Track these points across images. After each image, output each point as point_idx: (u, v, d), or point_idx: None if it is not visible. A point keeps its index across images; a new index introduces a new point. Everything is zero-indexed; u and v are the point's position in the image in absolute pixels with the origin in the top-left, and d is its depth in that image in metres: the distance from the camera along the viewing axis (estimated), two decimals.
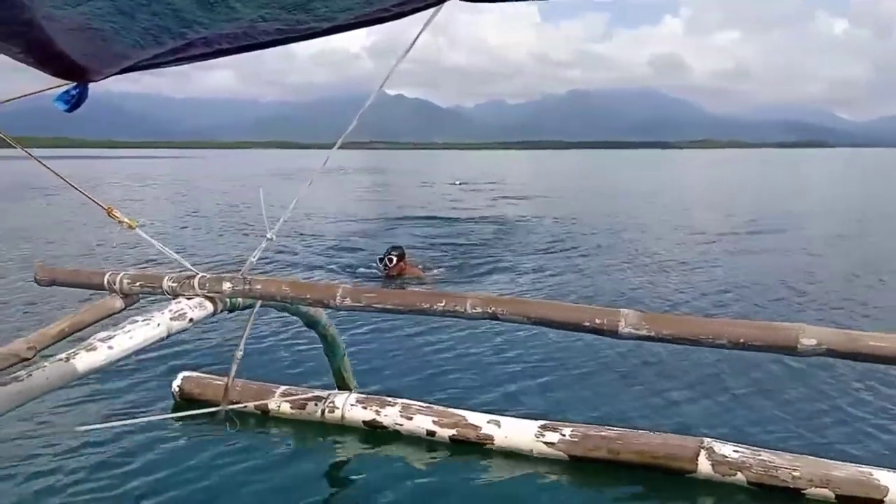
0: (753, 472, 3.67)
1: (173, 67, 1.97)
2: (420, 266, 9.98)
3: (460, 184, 33.63)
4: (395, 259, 9.19)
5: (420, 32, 2.01)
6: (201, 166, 74.28)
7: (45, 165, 2.73)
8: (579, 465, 3.98)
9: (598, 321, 2.60)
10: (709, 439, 3.86)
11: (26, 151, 2.74)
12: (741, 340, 2.41)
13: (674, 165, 78.99)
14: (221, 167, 71.48)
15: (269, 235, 3.09)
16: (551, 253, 12.34)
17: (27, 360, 2.95)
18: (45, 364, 2.69)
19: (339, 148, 2.78)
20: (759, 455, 3.72)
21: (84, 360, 2.73)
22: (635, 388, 5.28)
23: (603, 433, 4.04)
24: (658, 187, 35.73)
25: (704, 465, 3.75)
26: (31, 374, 2.61)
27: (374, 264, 9.50)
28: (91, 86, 1.97)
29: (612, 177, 50.88)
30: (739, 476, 3.68)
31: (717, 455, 3.75)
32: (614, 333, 2.58)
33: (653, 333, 2.54)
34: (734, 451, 3.76)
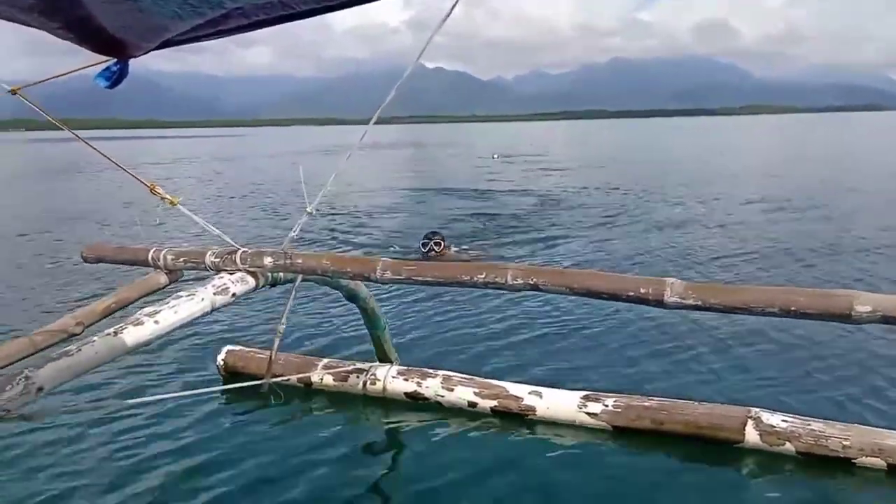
0: (803, 442, 3.60)
1: (213, 45, 1.96)
2: (458, 250, 9.73)
3: (499, 157, 33.10)
4: (440, 244, 8.97)
5: (455, 3, 1.97)
6: (241, 144, 75.06)
7: (90, 146, 2.76)
8: (623, 436, 3.95)
9: (642, 291, 2.55)
10: (756, 409, 3.79)
11: (73, 133, 2.78)
12: (793, 308, 2.35)
13: (719, 132, 76.74)
14: (261, 144, 72.09)
15: (308, 209, 3.09)
16: (593, 224, 12.22)
17: (76, 335, 3.01)
18: (94, 339, 2.75)
19: (378, 123, 2.76)
20: (809, 424, 3.64)
21: (131, 335, 2.78)
22: (679, 359, 5.21)
23: (646, 403, 4.00)
24: (701, 155, 35.01)
25: (752, 435, 3.68)
26: (80, 349, 2.67)
27: (417, 246, 9.15)
28: (135, 67, 1.97)
29: (654, 145, 49.73)
30: (788, 446, 3.62)
31: (765, 425, 3.68)
32: (660, 303, 2.53)
33: (699, 303, 2.48)
34: (783, 420, 3.69)
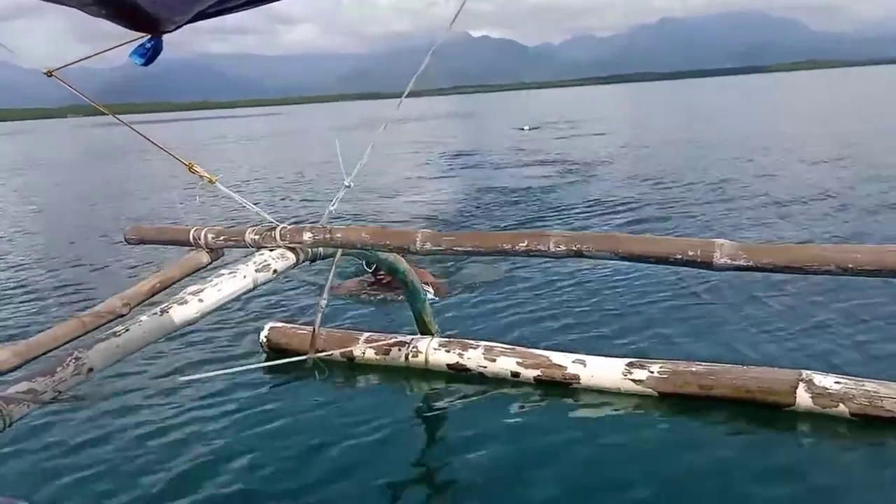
0: (857, 403, 3.51)
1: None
2: (431, 272, 6.68)
3: (530, 129, 31.77)
4: None
5: None
6: (285, 121, 75.38)
7: (132, 128, 2.78)
8: (669, 402, 3.89)
9: (690, 253, 2.48)
10: (808, 371, 3.70)
11: (115, 117, 2.80)
12: (850, 266, 2.26)
13: (773, 90, 73.22)
14: (305, 121, 72.31)
15: (346, 182, 3.08)
16: (635, 193, 11.99)
17: (122, 315, 3.04)
18: (141, 319, 2.78)
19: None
20: (863, 385, 3.55)
21: (177, 314, 2.81)
22: (726, 323, 5.12)
23: (693, 369, 3.93)
24: (752, 114, 33.89)
25: (803, 398, 3.60)
26: (128, 329, 2.71)
27: (364, 268, 6.50)
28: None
29: (703, 106, 47.63)
30: (841, 408, 3.53)
31: (818, 387, 3.59)
32: (709, 265, 2.46)
33: (751, 263, 2.41)
34: (836, 382, 3.60)
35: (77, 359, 2.50)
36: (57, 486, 3.45)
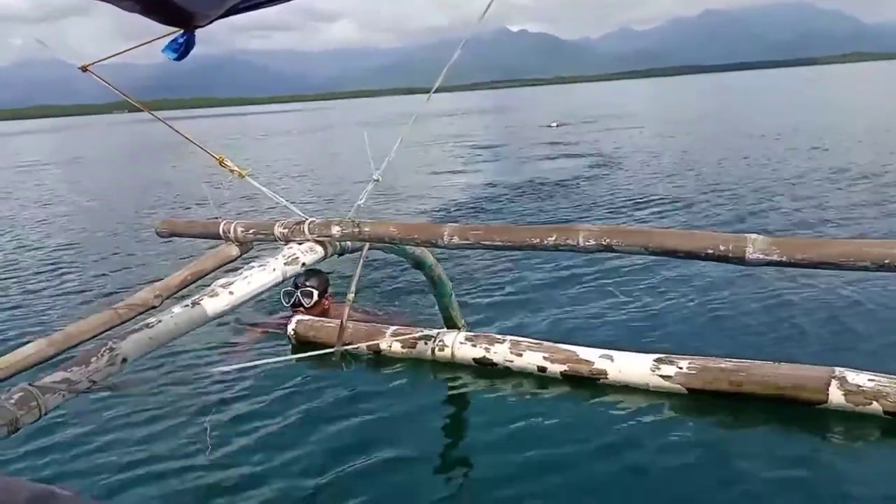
0: (890, 401, 3.44)
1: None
2: (355, 307, 4.97)
3: (557, 125, 31.44)
4: (313, 294, 5.28)
5: None
6: (322, 116, 75.57)
7: (165, 123, 2.82)
8: (698, 398, 3.86)
9: (722, 248, 2.45)
10: (840, 368, 3.64)
11: (151, 113, 2.84)
12: (886, 262, 2.22)
13: (820, 83, 70.30)
14: (341, 115, 72.39)
15: (375, 176, 3.09)
16: (662, 183, 11.89)
17: (154, 307, 3.10)
18: (173, 311, 2.82)
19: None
20: None
21: (208, 306, 2.84)
22: (756, 319, 5.04)
23: (723, 365, 3.89)
24: (797, 107, 33.12)
25: (836, 395, 3.54)
26: (160, 321, 2.74)
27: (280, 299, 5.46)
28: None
29: (745, 99, 46.29)
30: (875, 405, 3.47)
31: (851, 384, 3.53)
32: (741, 260, 2.43)
33: (784, 258, 2.37)
34: (869, 379, 3.53)
35: (111, 349, 2.54)
36: (93, 474, 3.50)
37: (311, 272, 4.98)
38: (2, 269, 8.75)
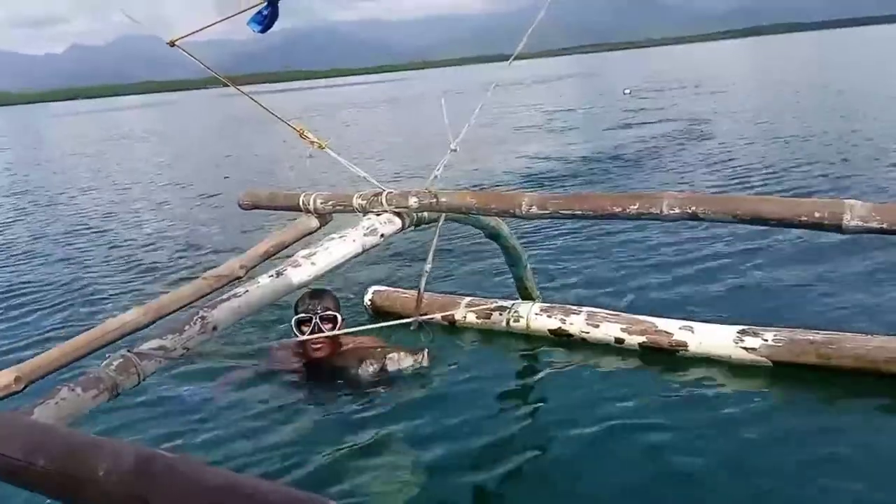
0: None
1: None
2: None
3: (630, 93, 30.47)
4: (337, 319, 4.21)
5: None
6: (406, 87, 75.13)
7: (249, 97, 2.88)
8: (784, 372, 3.73)
9: (817, 215, 2.35)
10: None
11: (236, 87, 2.91)
12: None
13: None
14: (425, 85, 71.97)
15: (452, 146, 3.08)
16: (753, 150, 11.35)
17: (240, 277, 3.19)
18: (259, 280, 2.90)
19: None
20: None
21: (292, 276, 2.92)
22: (848, 290, 4.81)
23: (811, 337, 3.74)
24: None
25: None
26: (247, 291, 2.83)
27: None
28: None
29: (852, 58, 42.75)
30: None
31: None
32: (837, 228, 2.33)
33: (885, 225, 2.25)
34: None
35: (203, 318, 2.65)
36: (193, 438, 3.59)
37: (315, 293, 4.20)
38: (103, 242, 9.25)
